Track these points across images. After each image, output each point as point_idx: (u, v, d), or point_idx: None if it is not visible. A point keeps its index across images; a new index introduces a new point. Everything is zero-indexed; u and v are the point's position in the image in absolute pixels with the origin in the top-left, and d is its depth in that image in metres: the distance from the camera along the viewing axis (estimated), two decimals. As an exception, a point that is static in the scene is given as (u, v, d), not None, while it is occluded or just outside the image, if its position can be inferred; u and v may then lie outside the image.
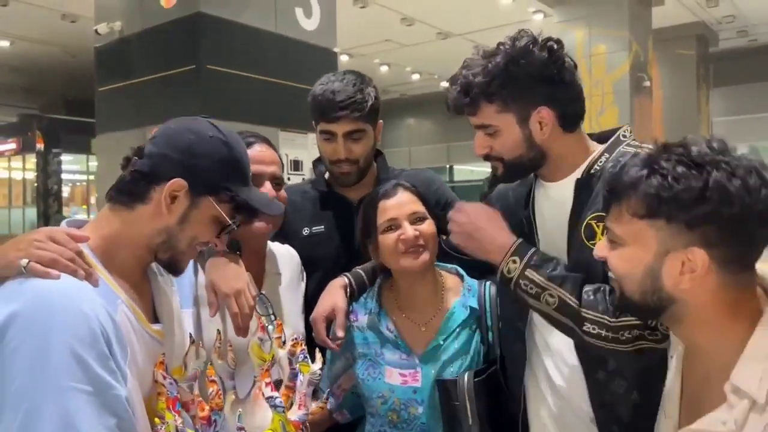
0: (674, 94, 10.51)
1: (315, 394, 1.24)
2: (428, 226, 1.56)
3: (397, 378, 1.54)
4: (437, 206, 1.80)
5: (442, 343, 1.56)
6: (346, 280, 1.66)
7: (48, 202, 15.89)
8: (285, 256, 1.77)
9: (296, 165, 4.01)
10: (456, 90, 1.41)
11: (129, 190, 1.13)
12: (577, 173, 1.41)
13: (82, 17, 8.91)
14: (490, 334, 1.59)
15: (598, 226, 1.32)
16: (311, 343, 1.50)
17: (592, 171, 1.39)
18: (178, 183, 1.10)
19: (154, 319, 1.20)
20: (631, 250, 1.03)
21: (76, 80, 14.00)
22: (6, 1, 8.64)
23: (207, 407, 1.09)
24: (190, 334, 1.26)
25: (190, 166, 1.12)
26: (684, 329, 1.06)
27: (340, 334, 1.53)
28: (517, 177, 1.51)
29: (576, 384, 1.41)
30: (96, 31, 4.13)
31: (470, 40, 11.32)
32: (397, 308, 1.63)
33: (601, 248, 1.11)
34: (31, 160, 16.45)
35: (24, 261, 0.98)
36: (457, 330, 1.58)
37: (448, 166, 17.58)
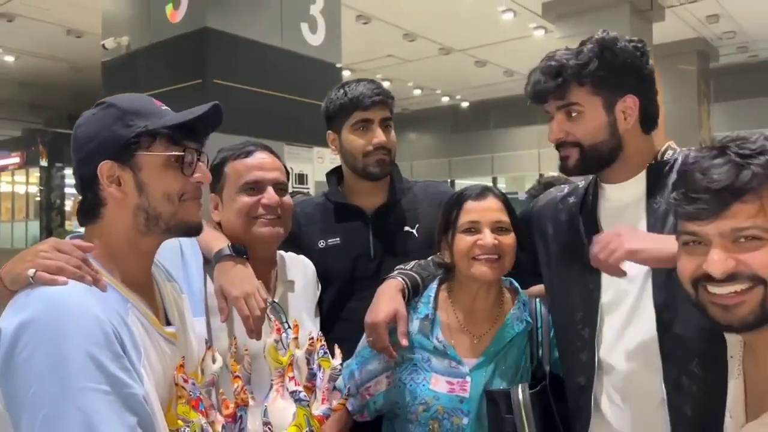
0: (676, 108, 10.54)
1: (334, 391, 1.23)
2: (510, 239, 1.52)
3: (443, 386, 1.49)
4: None
5: (494, 355, 1.52)
6: (402, 283, 1.60)
7: (51, 216, 15.96)
8: (297, 264, 1.76)
9: (301, 179, 4.03)
10: (544, 74, 1.42)
11: (86, 207, 1.14)
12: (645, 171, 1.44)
13: (87, 33, 9.00)
14: (540, 350, 1.56)
15: None
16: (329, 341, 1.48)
17: (665, 158, 1.44)
18: (103, 167, 1.09)
19: (167, 323, 1.19)
20: None
21: (80, 95, 14.08)
22: (12, 16, 8.73)
23: (232, 404, 1.08)
24: (206, 340, 1.27)
25: (99, 146, 1.10)
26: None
27: (405, 342, 1.48)
28: (590, 168, 1.49)
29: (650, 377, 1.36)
30: (103, 45, 4.18)
31: (471, 55, 11.40)
32: (454, 315, 1.58)
33: (723, 263, 0.98)
34: (35, 175, 16.55)
35: (31, 271, 0.99)
36: (510, 343, 1.54)
37: (449, 180, 17.64)
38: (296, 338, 1.24)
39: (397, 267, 1.69)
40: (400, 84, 13.32)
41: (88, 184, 1.12)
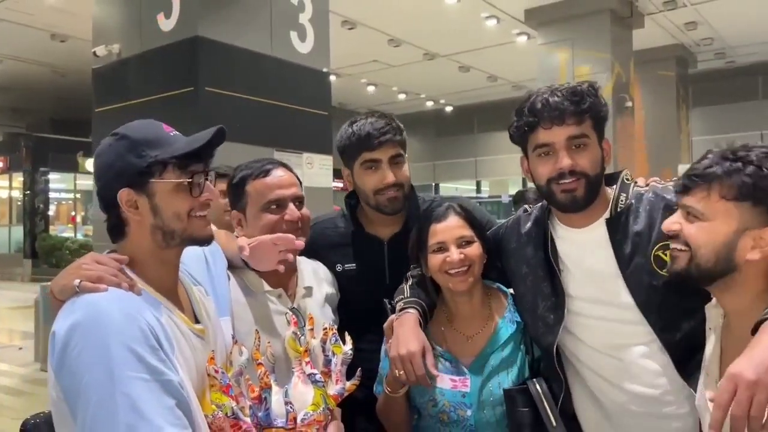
0: (655, 114, 10.76)
1: (349, 374, 1.36)
2: (475, 249, 1.65)
3: (447, 383, 1.64)
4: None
5: (489, 354, 1.66)
6: (418, 314, 1.66)
7: (34, 220, 15.83)
8: (316, 270, 1.86)
9: (291, 184, 4.10)
10: (567, 98, 1.50)
11: (112, 227, 1.27)
12: (605, 214, 1.56)
13: (71, 38, 8.97)
14: (535, 345, 1.71)
15: (665, 254, 1.44)
16: (341, 329, 1.54)
17: (619, 210, 1.55)
18: (122, 195, 1.21)
19: (196, 321, 1.33)
20: (713, 225, 1.24)
21: (64, 100, 14.01)
22: (-4, 21, 8.69)
23: (257, 388, 1.22)
24: (233, 335, 1.41)
25: (117, 175, 1.22)
26: (730, 296, 1.28)
27: (436, 372, 1.56)
28: (592, 199, 1.55)
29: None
30: (94, 53, 4.22)
31: (456, 60, 11.53)
32: (446, 320, 1.72)
33: (672, 223, 1.30)
34: (18, 179, 16.40)
35: (76, 281, 1.14)
36: (503, 343, 1.68)
37: (433, 184, 17.75)
38: (312, 329, 1.37)
39: (398, 294, 1.73)
40: (385, 89, 13.43)
41: (111, 206, 1.25)
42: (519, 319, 1.71)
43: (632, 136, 8.89)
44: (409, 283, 1.77)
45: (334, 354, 1.33)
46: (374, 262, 1.94)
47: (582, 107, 1.50)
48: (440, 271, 1.64)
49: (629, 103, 8.57)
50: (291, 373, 1.32)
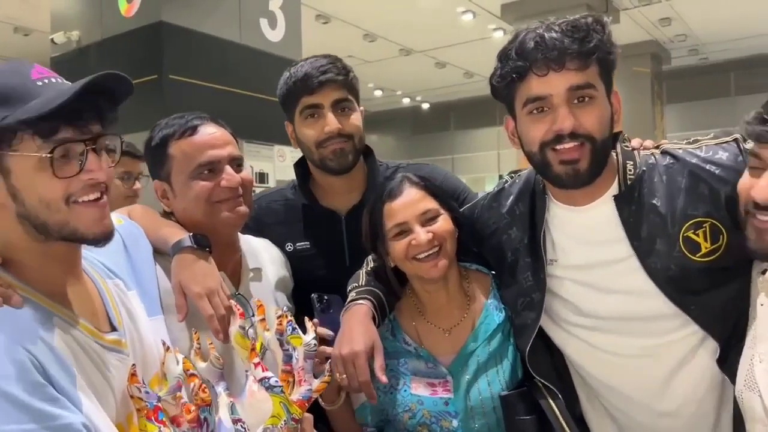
0: (631, 109, 10.77)
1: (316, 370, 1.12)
2: (443, 223, 1.38)
3: (425, 389, 1.36)
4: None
5: (473, 350, 1.40)
6: (371, 307, 1.40)
7: None
8: (263, 249, 1.59)
9: (261, 177, 3.95)
10: (566, 34, 1.16)
11: None
12: (612, 191, 1.27)
13: (35, 31, 8.70)
14: None
15: (697, 235, 1.20)
16: (298, 316, 1.29)
17: (629, 182, 1.25)
18: None
19: (111, 328, 1.04)
20: None
21: (29, 96, 13.64)
22: (-44, 13, 8.38)
23: (192, 407, 0.98)
24: (163, 341, 1.14)
25: None
26: None
27: (385, 380, 1.29)
28: (599, 171, 1.24)
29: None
30: (52, 40, 4.01)
31: (432, 56, 11.43)
32: (417, 313, 1.45)
33: (765, 187, 1.03)
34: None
35: None
36: (490, 335, 1.41)
37: (410, 182, 17.67)
38: (263, 319, 1.12)
39: (352, 283, 1.49)
40: (361, 85, 13.12)
41: None
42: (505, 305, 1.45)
43: (608, 131, 8.88)
44: (367, 268, 1.50)
45: (294, 348, 1.07)
46: (331, 240, 1.68)
47: (587, 46, 1.15)
48: (407, 259, 1.37)
49: (605, 99, 8.55)
50: (246, 378, 1.07)
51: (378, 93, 13.89)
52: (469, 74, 12.57)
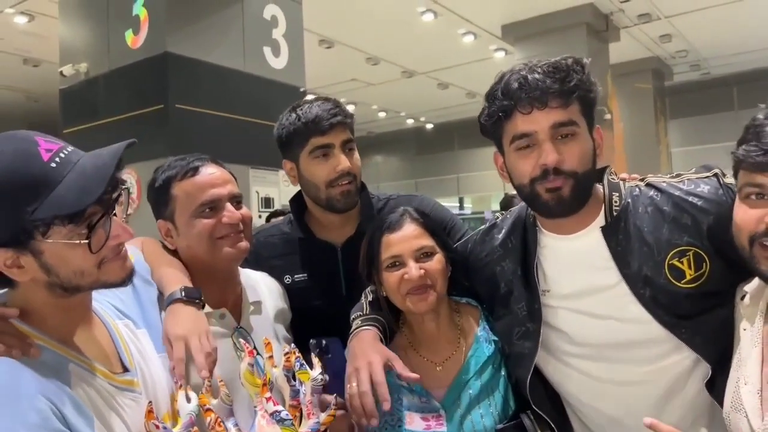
0: (634, 126, 10.80)
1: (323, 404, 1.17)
2: (436, 262, 1.43)
3: (419, 423, 1.37)
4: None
5: (464, 383, 1.42)
6: (377, 332, 1.44)
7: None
8: (262, 282, 1.64)
9: (267, 202, 3.99)
10: (548, 75, 1.24)
11: None
12: (599, 221, 1.33)
13: (44, 62, 8.82)
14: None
15: (681, 262, 1.25)
16: (304, 350, 1.34)
17: (615, 214, 1.31)
18: None
19: (124, 369, 1.08)
20: None
21: (37, 125, 13.69)
22: (-34, 46, 8.53)
23: None
24: (176, 380, 1.17)
25: None
26: None
27: (387, 407, 1.29)
28: (583, 200, 1.31)
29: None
30: (61, 72, 4.10)
31: (434, 78, 11.52)
32: (409, 346, 1.48)
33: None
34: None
35: None
36: (480, 368, 1.44)
37: (416, 202, 17.65)
38: (271, 357, 1.17)
39: (355, 312, 1.54)
40: (365, 107, 13.37)
41: None
42: (496, 338, 1.47)
43: (612, 148, 8.90)
44: (369, 298, 1.54)
45: (301, 383, 1.12)
46: (328, 271, 1.74)
47: (568, 86, 1.23)
48: (398, 292, 1.42)
49: (608, 116, 8.58)
50: (254, 414, 1.11)
51: (382, 114, 13.99)
52: (472, 94, 12.65)
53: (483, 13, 8.34)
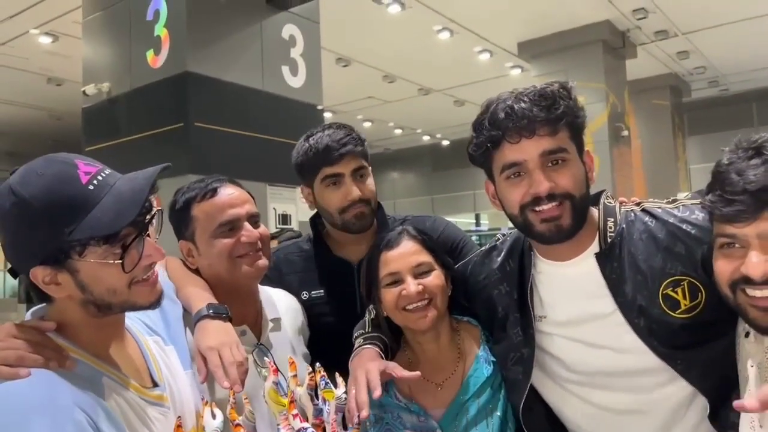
0: (652, 143, 10.74)
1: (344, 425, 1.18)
2: (434, 278, 1.43)
3: None
4: (449, 252, 1.67)
5: (463, 403, 1.41)
6: (379, 351, 1.45)
7: (30, 265, 15.66)
8: (282, 300, 1.67)
9: (285, 219, 4.02)
10: (536, 103, 1.23)
11: (36, 295, 1.03)
12: (594, 247, 1.31)
13: (67, 81, 9.01)
14: None
15: (676, 292, 1.23)
16: (329, 370, 1.34)
17: (609, 240, 1.29)
18: (36, 273, 0.97)
19: (153, 383, 1.12)
20: None
21: (60, 143, 13.99)
22: (-9, 66, 8.72)
23: None
24: (202, 396, 1.19)
25: (25, 253, 0.97)
26: None
27: (377, 395, 1.27)
28: (580, 225, 1.28)
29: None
30: (84, 92, 4.18)
31: (450, 95, 11.57)
32: (408, 365, 1.45)
33: (763, 262, 1.00)
34: (14, 223, 16.28)
35: None
36: (479, 389, 1.43)
37: (433, 218, 17.64)
38: (295, 375, 1.19)
39: (358, 330, 1.56)
40: (381, 124, 13.44)
41: (25, 279, 1.00)
42: (494, 358, 1.46)
43: (630, 165, 8.84)
44: (371, 316, 1.55)
45: (325, 401, 1.13)
46: (344, 288, 1.77)
47: (555, 113, 1.22)
48: (397, 309, 1.41)
49: (625, 133, 8.54)
50: (277, 430, 1.12)
51: (398, 131, 14.06)
52: (489, 111, 12.69)
53: (499, 31, 8.37)
